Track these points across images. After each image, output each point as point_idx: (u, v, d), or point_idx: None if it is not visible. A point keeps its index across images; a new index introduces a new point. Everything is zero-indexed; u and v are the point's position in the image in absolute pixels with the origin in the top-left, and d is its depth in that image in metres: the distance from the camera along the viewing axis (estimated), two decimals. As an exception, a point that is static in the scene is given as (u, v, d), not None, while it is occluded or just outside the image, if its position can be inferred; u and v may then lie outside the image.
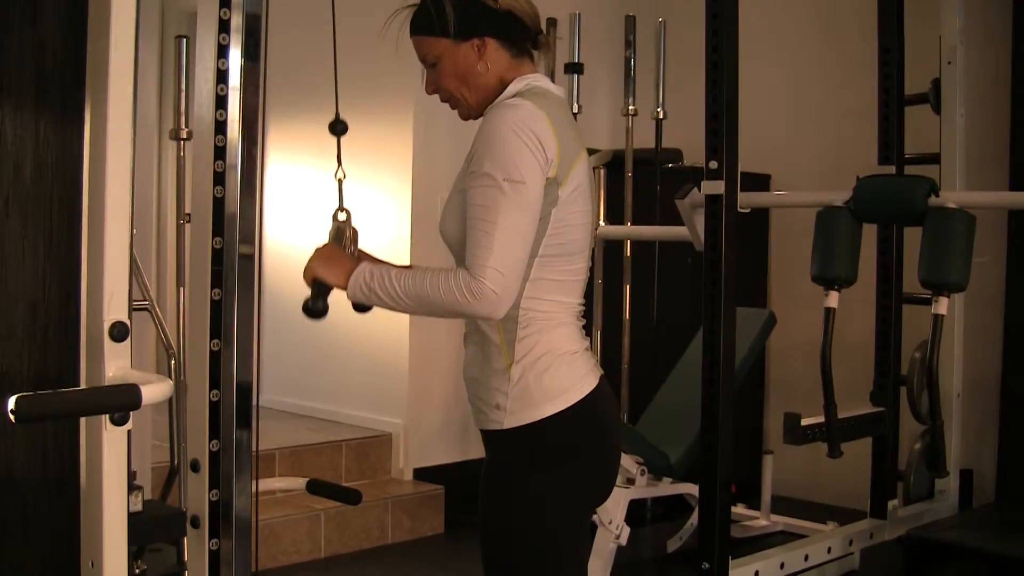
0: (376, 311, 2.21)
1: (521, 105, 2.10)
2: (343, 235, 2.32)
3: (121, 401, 1.69)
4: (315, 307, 2.19)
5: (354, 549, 4.82)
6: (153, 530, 2.98)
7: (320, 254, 2.24)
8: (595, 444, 2.19)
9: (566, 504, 2.17)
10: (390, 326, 5.37)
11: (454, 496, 5.18)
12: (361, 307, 2.21)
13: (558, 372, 2.15)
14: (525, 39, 2.24)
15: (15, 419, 1.55)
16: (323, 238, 2.31)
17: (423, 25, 2.21)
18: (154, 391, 1.72)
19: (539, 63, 2.30)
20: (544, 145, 2.07)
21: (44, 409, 1.63)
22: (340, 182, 2.40)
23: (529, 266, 2.11)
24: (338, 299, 2.16)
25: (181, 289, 3.86)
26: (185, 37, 3.77)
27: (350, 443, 5.22)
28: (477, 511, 2.21)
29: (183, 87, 3.75)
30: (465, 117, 2.29)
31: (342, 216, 2.34)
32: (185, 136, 3.77)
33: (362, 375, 5.60)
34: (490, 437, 2.21)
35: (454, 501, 5.18)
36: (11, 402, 1.55)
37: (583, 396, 2.16)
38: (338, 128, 2.41)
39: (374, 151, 5.41)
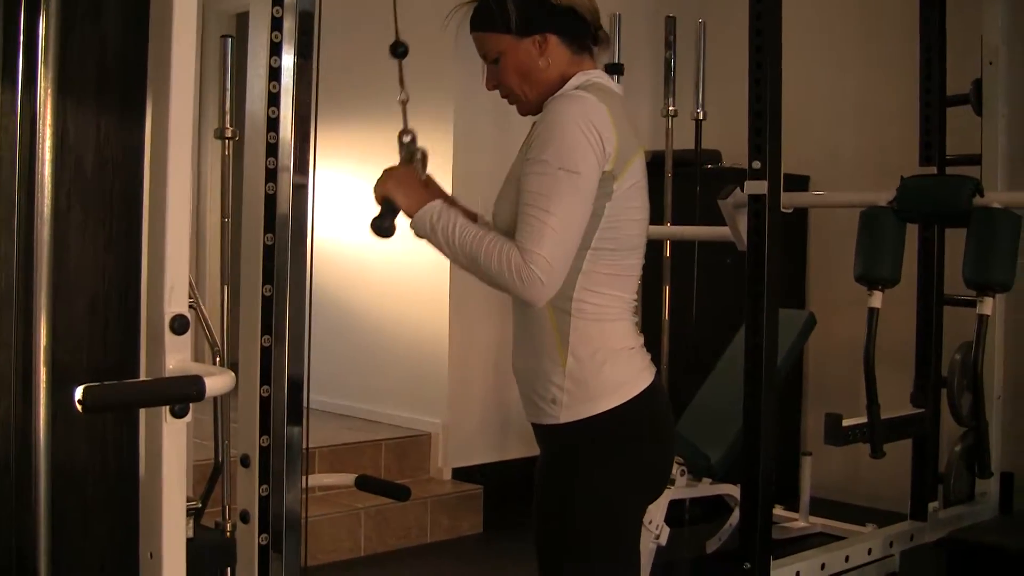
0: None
1: (584, 98, 2.11)
2: (413, 157, 2.30)
3: (186, 392, 1.70)
4: (384, 225, 2.19)
5: (393, 548, 4.85)
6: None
7: (394, 175, 2.23)
8: (652, 440, 2.20)
9: (622, 500, 2.17)
10: (430, 325, 5.39)
11: (493, 496, 5.21)
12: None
13: (616, 367, 2.15)
14: (585, 35, 2.25)
15: (82, 409, 1.57)
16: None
17: (485, 21, 2.22)
18: (217, 383, 1.73)
19: (598, 59, 2.30)
20: (603, 138, 2.07)
21: (110, 399, 1.64)
22: (404, 104, 2.36)
23: (580, 258, 2.11)
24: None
25: (225, 287, 3.87)
26: (231, 37, 3.79)
27: (389, 442, 5.25)
28: (519, 509, 2.21)
29: (228, 87, 3.77)
30: (524, 113, 2.29)
31: (407, 138, 2.32)
32: (230, 135, 3.78)
33: (401, 374, 5.61)
34: (544, 431, 2.21)
35: (493, 501, 5.20)
36: (79, 392, 1.56)
37: (640, 391, 2.16)
38: (399, 50, 2.35)
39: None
